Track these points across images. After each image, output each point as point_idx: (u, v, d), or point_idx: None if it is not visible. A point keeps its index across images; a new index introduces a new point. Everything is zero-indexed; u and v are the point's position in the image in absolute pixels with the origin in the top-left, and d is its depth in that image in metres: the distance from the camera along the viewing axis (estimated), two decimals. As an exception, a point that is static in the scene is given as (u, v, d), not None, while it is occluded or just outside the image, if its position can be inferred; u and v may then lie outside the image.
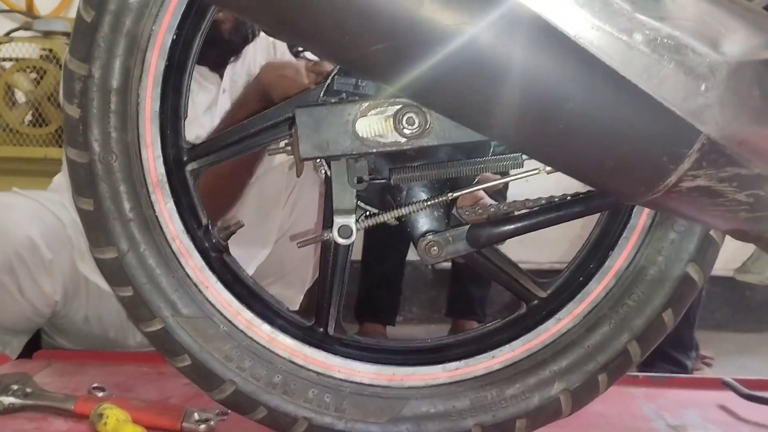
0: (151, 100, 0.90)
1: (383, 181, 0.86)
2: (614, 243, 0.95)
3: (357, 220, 0.84)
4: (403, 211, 0.84)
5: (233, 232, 0.97)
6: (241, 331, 0.92)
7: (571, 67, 0.59)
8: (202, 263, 0.93)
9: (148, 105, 0.90)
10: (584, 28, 0.58)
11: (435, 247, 0.87)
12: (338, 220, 0.83)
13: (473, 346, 0.97)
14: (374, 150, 0.81)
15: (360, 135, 0.80)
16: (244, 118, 0.96)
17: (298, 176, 0.90)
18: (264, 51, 1.60)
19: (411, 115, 0.78)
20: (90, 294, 1.49)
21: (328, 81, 0.89)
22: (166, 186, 0.92)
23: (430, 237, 0.87)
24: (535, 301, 0.96)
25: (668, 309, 0.94)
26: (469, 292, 2.27)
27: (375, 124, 0.80)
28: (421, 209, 0.85)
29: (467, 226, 0.88)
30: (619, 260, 0.94)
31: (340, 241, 0.83)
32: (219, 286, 0.93)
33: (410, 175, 0.83)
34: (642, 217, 0.94)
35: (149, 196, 0.91)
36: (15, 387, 1.15)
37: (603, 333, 0.95)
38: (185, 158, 0.94)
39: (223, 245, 0.96)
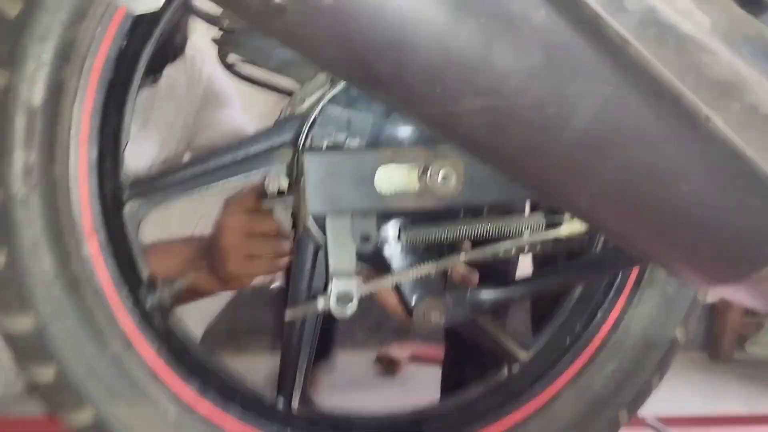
0: (89, 122, 0.69)
1: (394, 240, 0.72)
2: (601, 302, 0.89)
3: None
4: (414, 273, 0.71)
5: (181, 290, 0.78)
6: (193, 416, 0.74)
7: (700, 149, 0.50)
8: (146, 331, 0.73)
9: (85, 128, 0.69)
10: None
11: (435, 313, 0.74)
12: (337, 285, 0.68)
13: (456, 418, 0.86)
14: (394, 207, 0.67)
15: (379, 189, 0.66)
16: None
17: (295, 236, 0.74)
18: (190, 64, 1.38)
19: (445, 170, 0.65)
20: None
21: (318, 110, 0.74)
22: (103, 232, 0.71)
23: (428, 301, 0.74)
24: (517, 364, 0.87)
25: (656, 374, 0.89)
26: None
27: (398, 177, 0.66)
28: (434, 272, 0.72)
29: (467, 289, 0.77)
30: (607, 321, 0.88)
31: (339, 311, 0.68)
32: (167, 361, 0.74)
33: (428, 235, 0.70)
34: (631, 276, 0.89)
35: (80, 246, 0.70)
36: None
37: (591, 401, 0.88)
38: (125, 196, 0.74)
39: (167, 306, 0.77)
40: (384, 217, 0.72)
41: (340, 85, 0.75)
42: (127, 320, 0.72)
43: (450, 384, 1.69)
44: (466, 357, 1.64)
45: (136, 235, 0.75)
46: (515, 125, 0.50)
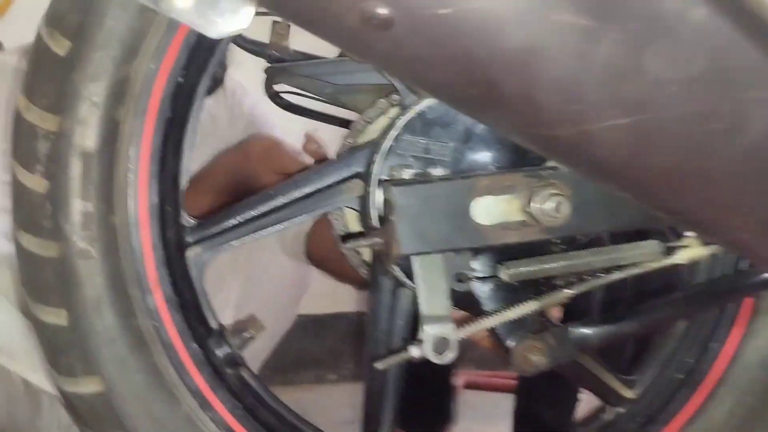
0: (147, 165, 0.64)
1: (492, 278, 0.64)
2: (712, 333, 0.79)
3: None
4: (516, 313, 0.63)
5: (252, 339, 0.72)
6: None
7: None
8: (220, 387, 0.67)
9: (143, 171, 0.64)
10: None
11: (536, 354, 0.67)
12: (431, 331, 0.61)
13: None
14: (494, 242, 0.60)
15: (477, 222, 0.59)
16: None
17: (373, 276, 0.67)
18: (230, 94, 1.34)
19: (555, 197, 0.58)
20: None
21: (392, 142, 0.68)
22: (168, 282, 0.66)
23: (528, 342, 0.67)
24: (622, 405, 0.79)
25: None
26: (547, 419, 1.60)
27: (498, 209, 0.59)
28: (537, 309, 0.64)
29: (567, 326, 0.69)
30: (722, 354, 0.79)
31: (437, 359, 0.61)
32: (243, 417, 0.68)
33: (534, 271, 0.63)
34: (746, 302, 0.79)
35: (145, 298, 0.64)
36: None
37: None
38: (187, 241, 0.69)
39: (238, 357, 0.71)
40: (475, 252, 0.65)
41: (414, 110, 0.69)
42: (198, 376, 0.67)
43: (523, 414, 1.58)
44: (538, 385, 1.53)
45: (201, 282, 0.70)
46: (668, 143, 0.42)
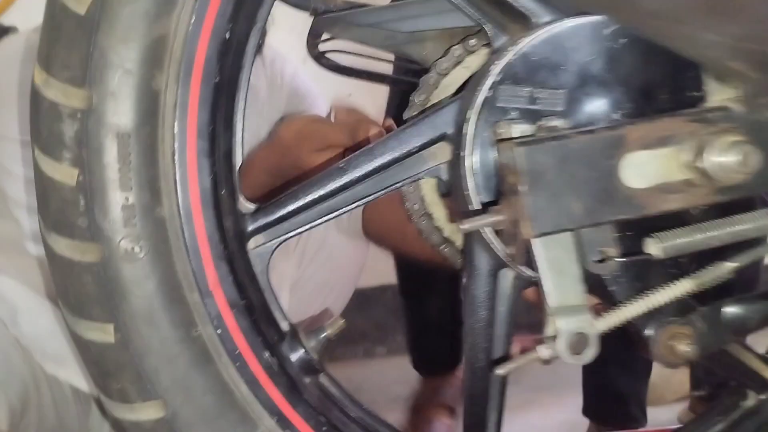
0: (195, 143, 0.53)
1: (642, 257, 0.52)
2: None
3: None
4: (669, 294, 0.51)
5: (329, 339, 0.61)
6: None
7: None
8: (297, 401, 0.57)
9: (191, 151, 0.53)
10: None
11: (683, 343, 0.55)
12: (565, 326, 0.49)
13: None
14: (653, 210, 0.47)
15: (629, 186, 0.47)
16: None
17: (517, 261, 0.55)
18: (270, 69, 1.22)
19: (739, 147, 0.45)
20: (44, 403, 1.06)
21: (487, 93, 0.55)
22: (229, 281, 0.55)
23: (672, 329, 0.55)
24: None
25: None
26: (621, 386, 1.48)
27: (655, 167, 0.46)
28: (692, 289, 0.52)
29: (718, 306, 0.56)
30: None
31: (574, 360, 0.49)
32: (328, 433, 0.57)
33: (692, 243, 0.50)
34: None
35: (205, 304, 0.54)
36: None
37: None
38: (248, 230, 0.58)
39: (316, 362, 0.60)
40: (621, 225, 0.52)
41: (512, 52, 0.56)
42: (273, 389, 0.56)
43: (592, 382, 1.45)
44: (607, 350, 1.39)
45: (266, 276, 0.59)
46: None
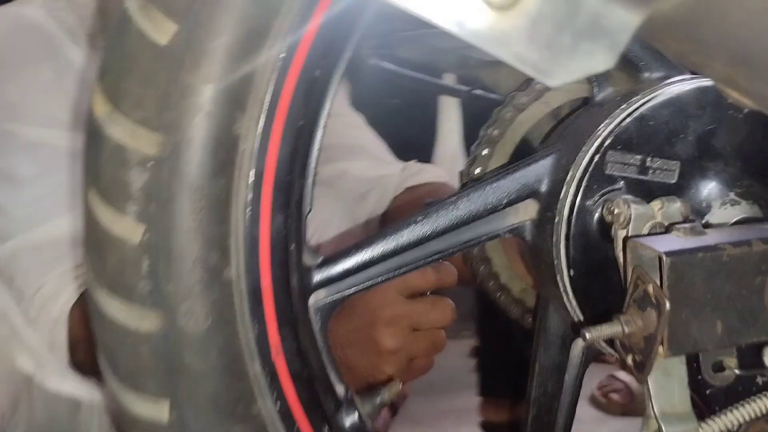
0: (271, 194, 0.46)
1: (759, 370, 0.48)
2: None
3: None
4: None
5: (384, 405, 0.56)
6: None
7: None
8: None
9: (266, 203, 0.46)
10: None
11: (769, 437, 0.52)
12: (672, 432, 0.45)
13: None
14: None
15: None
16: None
17: (644, 375, 0.50)
18: None
19: None
20: (33, 401, 0.99)
21: (594, 157, 0.50)
22: (293, 349, 0.49)
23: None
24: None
25: None
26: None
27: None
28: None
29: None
30: None
31: (681, 470, 0.46)
32: None
33: None
34: None
35: (267, 375, 0.47)
36: None
37: None
38: (311, 285, 0.52)
39: (369, 429, 0.55)
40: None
41: (626, 113, 0.50)
42: (334, 468, 0.50)
43: None
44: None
45: (325, 338, 0.53)
46: None
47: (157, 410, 0.45)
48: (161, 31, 0.40)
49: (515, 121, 0.62)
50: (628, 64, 0.53)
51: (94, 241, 0.43)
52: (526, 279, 0.67)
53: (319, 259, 0.52)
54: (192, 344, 0.44)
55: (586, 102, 0.58)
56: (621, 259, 0.48)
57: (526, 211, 0.55)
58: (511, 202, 0.54)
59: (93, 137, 0.42)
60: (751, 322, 0.43)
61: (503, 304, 0.66)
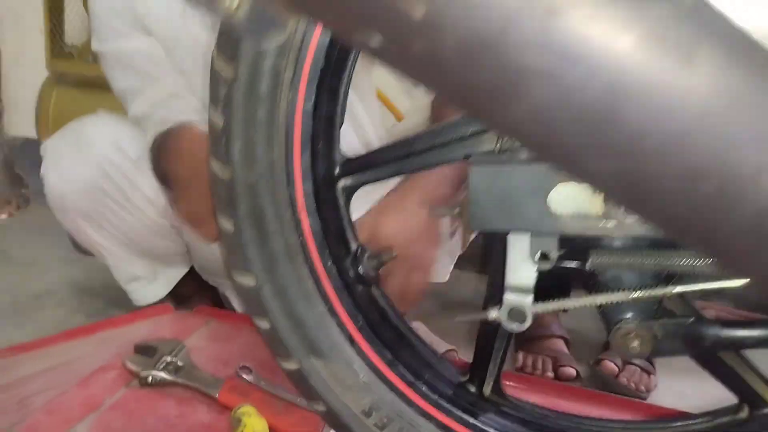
0: (302, 107, 0.75)
1: (574, 264, 0.66)
2: None
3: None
4: (600, 300, 0.64)
5: (384, 263, 0.83)
6: (384, 384, 0.80)
7: None
8: (348, 299, 0.80)
9: (299, 113, 0.75)
10: None
11: (636, 341, 0.67)
12: (510, 299, 0.65)
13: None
14: (571, 231, 0.61)
15: (553, 211, 0.61)
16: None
17: (462, 249, 0.72)
18: None
19: None
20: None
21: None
22: (314, 207, 0.79)
23: (628, 326, 0.67)
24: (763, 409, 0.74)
25: None
26: None
27: (575, 199, 0.60)
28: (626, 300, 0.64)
29: (685, 320, 0.66)
30: None
31: (510, 326, 0.66)
32: (363, 328, 0.80)
33: (616, 263, 0.62)
34: None
35: (294, 220, 0.78)
36: (168, 359, 1.16)
37: None
38: (337, 173, 0.80)
39: (372, 277, 0.82)
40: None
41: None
42: (329, 287, 0.80)
43: None
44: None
45: (347, 210, 0.81)
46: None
47: (227, 225, 0.79)
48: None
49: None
50: None
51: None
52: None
53: (344, 158, 0.80)
54: (247, 189, 0.77)
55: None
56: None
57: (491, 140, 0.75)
58: (481, 132, 0.76)
59: (211, 68, 0.76)
60: (537, 217, 0.61)
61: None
